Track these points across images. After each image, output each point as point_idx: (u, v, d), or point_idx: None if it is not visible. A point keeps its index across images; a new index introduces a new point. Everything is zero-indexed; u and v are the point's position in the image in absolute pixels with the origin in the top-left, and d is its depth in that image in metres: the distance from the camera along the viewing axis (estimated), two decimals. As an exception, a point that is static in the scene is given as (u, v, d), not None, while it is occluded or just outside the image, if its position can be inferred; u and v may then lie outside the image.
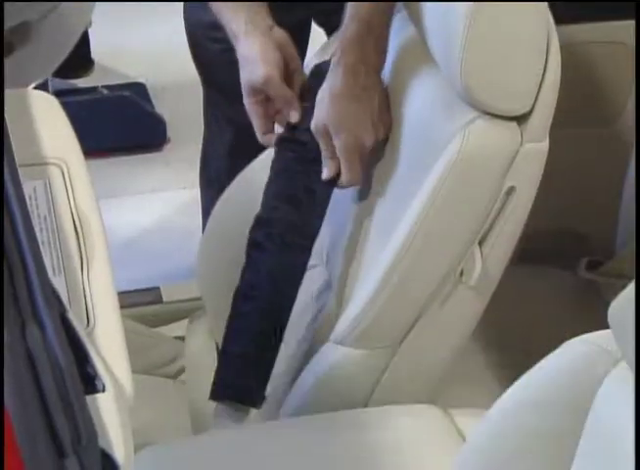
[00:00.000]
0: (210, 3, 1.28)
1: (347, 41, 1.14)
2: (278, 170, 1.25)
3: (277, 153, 1.25)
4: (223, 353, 1.23)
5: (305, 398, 1.19)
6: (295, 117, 1.20)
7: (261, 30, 1.22)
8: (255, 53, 1.20)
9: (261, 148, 1.42)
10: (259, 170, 1.42)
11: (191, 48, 1.61)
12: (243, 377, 1.21)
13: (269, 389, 1.22)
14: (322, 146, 1.17)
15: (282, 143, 1.25)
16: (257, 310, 1.20)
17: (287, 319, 1.20)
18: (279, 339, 1.20)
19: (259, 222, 1.23)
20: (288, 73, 1.22)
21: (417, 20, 1.13)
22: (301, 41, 1.62)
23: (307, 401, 1.19)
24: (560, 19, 1.06)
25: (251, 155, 1.45)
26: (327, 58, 1.26)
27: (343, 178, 1.17)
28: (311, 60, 1.40)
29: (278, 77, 1.19)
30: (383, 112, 1.16)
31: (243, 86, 1.22)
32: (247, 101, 1.22)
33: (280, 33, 1.23)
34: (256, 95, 1.21)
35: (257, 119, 1.23)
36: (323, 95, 1.16)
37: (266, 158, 1.42)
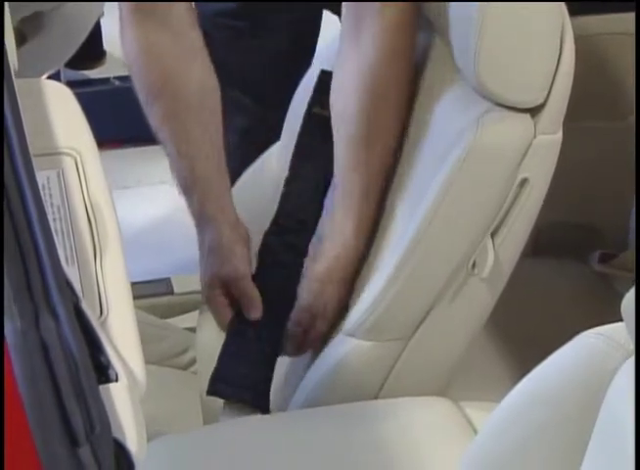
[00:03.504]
0: (178, 184, 1.23)
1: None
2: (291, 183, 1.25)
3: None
4: (225, 349, 1.22)
5: (316, 389, 1.19)
6: (256, 314, 1.18)
7: (230, 224, 1.19)
8: (226, 247, 1.18)
9: (272, 136, 1.42)
10: (271, 161, 1.42)
11: None
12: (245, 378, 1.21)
13: (281, 380, 1.23)
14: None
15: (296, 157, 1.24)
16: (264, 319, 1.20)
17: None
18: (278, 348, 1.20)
19: (277, 227, 1.23)
20: None
21: (431, 12, 1.13)
22: (312, 34, 1.62)
23: (318, 393, 1.19)
24: (574, 10, 1.05)
25: (262, 143, 1.46)
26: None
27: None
28: (321, 52, 1.40)
29: (249, 274, 1.18)
30: None
31: (209, 277, 1.19)
32: (210, 293, 1.20)
33: (244, 229, 1.21)
34: (222, 287, 1.19)
35: (220, 309, 1.21)
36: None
37: (277, 148, 1.42)
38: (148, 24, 1.20)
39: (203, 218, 1.20)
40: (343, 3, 1.18)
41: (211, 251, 1.19)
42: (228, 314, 1.21)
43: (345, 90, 1.15)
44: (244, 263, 1.18)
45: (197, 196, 1.20)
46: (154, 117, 1.22)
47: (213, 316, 1.22)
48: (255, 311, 1.18)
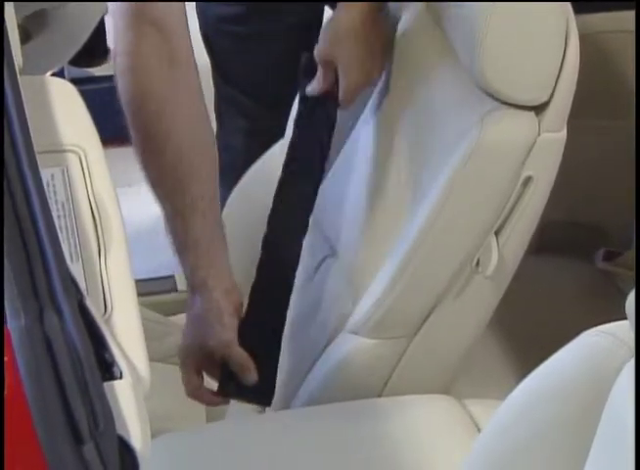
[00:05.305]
0: (172, 244, 1.15)
1: None
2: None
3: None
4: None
5: (319, 387, 1.19)
6: (252, 378, 1.14)
7: (224, 291, 1.13)
8: (215, 317, 1.12)
9: (273, 136, 1.42)
10: (272, 161, 1.43)
11: (204, 40, 1.62)
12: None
13: (284, 379, 1.23)
14: (321, 73, 1.21)
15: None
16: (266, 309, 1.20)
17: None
18: (279, 338, 1.20)
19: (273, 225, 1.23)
20: None
21: (436, 11, 1.13)
22: (314, 35, 1.61)
23: (321, 391, 1.19)
24: (576, 9, 1.05)
25: (267, 143, 1.46)
26: None
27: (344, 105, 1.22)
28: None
29: (235, 342, 1.13)
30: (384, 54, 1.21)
31: (189, 345, 1.15)
32: (191, 363, 1.15)
33: (238, 295, 1.15)
34: (203, 356, 1.14)
35: (190, 377, 1.16)
36: (334, 30, 1.21)
37: (280, 147, 1.42)
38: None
39: (195, 283, 1.14)
40: None
41: (198, 319, 1.14)
42: (197, 382, 1.16)
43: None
44: (229, 333, 1.13)
45: (190, 259, 1.13)
46: (152, 172, 1.19)
47: (183, 381, 1.16)
48: (250, 375, 1.14)
